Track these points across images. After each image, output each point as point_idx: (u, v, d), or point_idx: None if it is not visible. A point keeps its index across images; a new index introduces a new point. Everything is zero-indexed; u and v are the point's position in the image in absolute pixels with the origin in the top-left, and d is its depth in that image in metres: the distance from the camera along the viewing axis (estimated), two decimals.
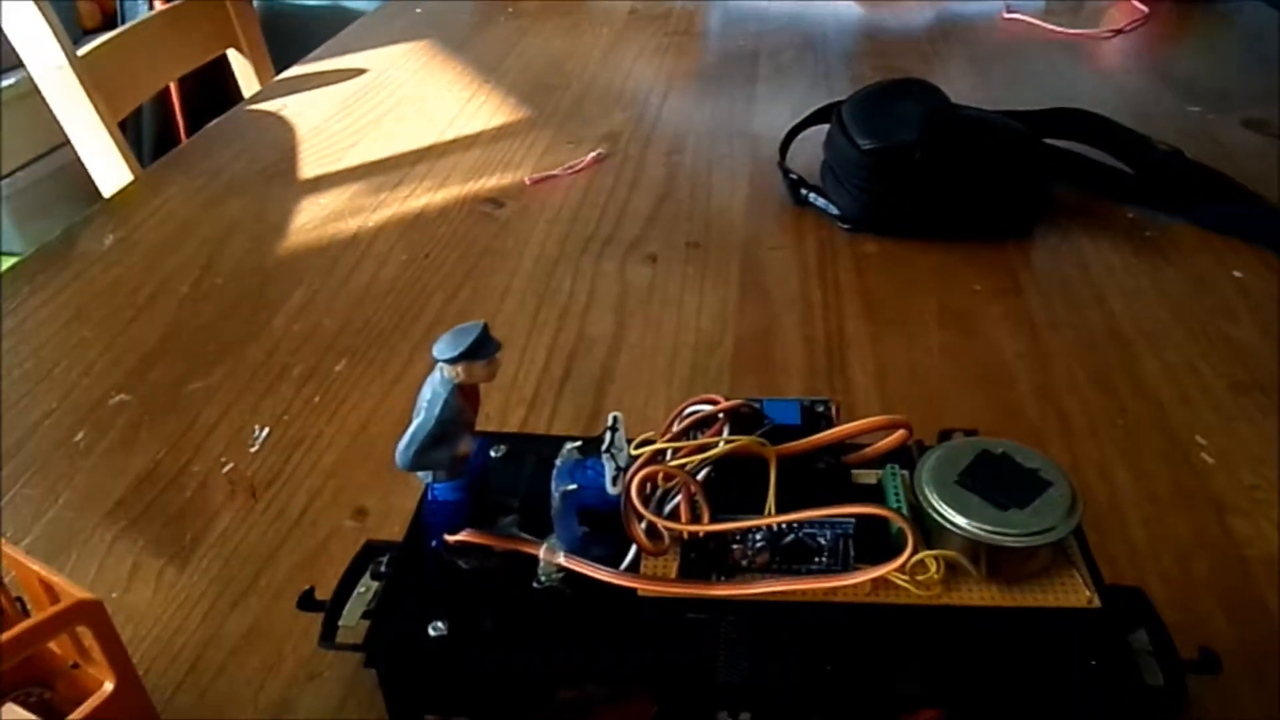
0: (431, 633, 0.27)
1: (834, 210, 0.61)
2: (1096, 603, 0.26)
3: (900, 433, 0.29)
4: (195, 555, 0.39)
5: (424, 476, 0.29)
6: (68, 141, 0.91)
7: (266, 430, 0.46)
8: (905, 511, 0.28)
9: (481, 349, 0.27)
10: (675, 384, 0.48)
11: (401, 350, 0.51)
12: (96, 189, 0.91)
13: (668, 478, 0.27)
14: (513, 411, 0.46)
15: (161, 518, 0.41)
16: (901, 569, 0.26)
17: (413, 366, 0.50)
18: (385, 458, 0.36)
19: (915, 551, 0.26)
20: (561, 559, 0.28)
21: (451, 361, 0.27)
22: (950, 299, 0.54)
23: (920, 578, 0.26)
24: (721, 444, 0.27)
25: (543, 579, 0.29)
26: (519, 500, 0.32)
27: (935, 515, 0.27)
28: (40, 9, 0.84)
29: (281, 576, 0.38)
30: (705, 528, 0.27)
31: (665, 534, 0.27)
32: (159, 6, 1.67)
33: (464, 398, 0.27)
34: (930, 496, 0.27)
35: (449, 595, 0.29)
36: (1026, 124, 0.63)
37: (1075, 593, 0.27)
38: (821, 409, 0.31)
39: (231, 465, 0.44)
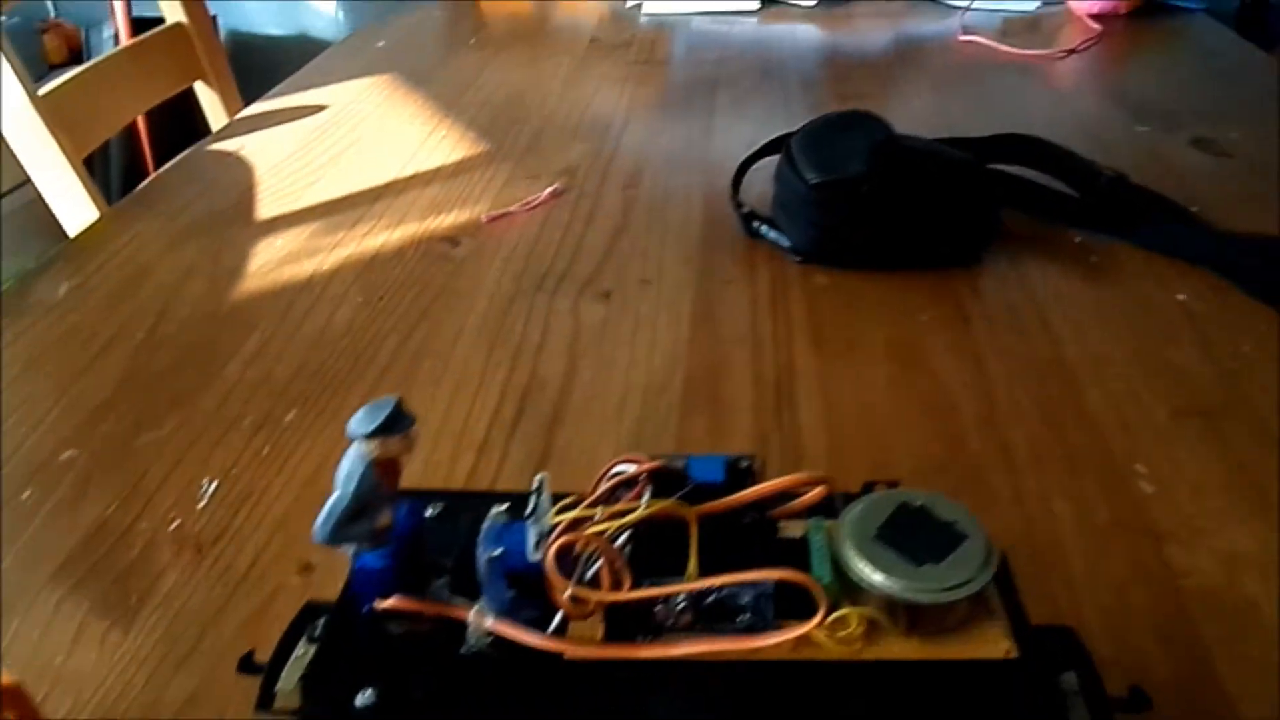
0: (359, 702, 0.27)
1: (786, 243, 0.62)
2: (1014, 653, 0.27)
3: (819, 489, 0.29)
4: (141, 616, 0.39)
5: (347, 549, 0.29)
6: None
7: (215, 483, 0.46)
8: (829, 566, 0.28)
9: (395, 425, 0.27)
10: (625, 426, 0.48)
11: (353, 397, 0.51)
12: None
13: (588, 543, 0.27)
14: (462, 457, 0.46)
15: (108, 577, 0.41)
16: (820, 626, 0.26)
17: None
18: None
19: (826, 615, 0.26)
20: (490, 623, 0.28)
21: (366, 438, 0.27)
22: (899, 330, 0.55)
23: (840, 634, 0.27)
24: (640, 509, 0.28)
25: (471, 643, 0.29)
26: (453, 560, 0.32)
27: (854, 572, 0.27)
28: (0, 49, 0.85)
29: (226, 636, 0.38)
30: (624, 596, 0.27)
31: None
32: (125, 41, 1.67)
33: (381, 472, 0.28)
34: (849, 554, 0.27)
35: (378, 662, 0.29)
36: (973, 151, 0.64)
37: (994, 643, 0.27)
38: (745, 464, 0.31)
39: (179, 521, 0.44)
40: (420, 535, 0.32)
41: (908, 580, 0.26)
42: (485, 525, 0.29)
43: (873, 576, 0.27)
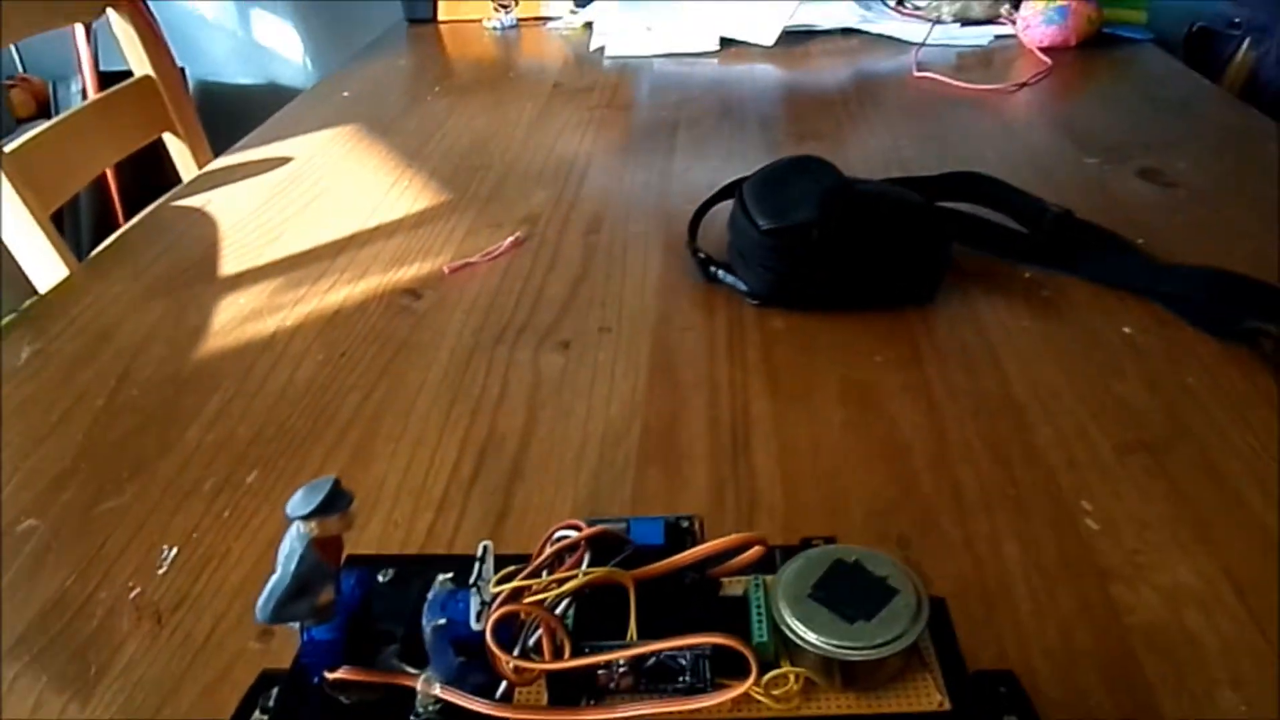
0: None
1: (742, 287, 0.63)
2: (946, 705, 0.27)
3: (755, 549, 0.30)
4: (99, 689, 0.39)
5: (293, 625, 0.29)
6: None
7: (175, 550, 0.46)
8: (767, 625, 0.29)
9: (333, 505, 0.28)
10: (582, 479, 0.49)
11: (314, 456, 0.52)
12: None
13: (528, 612, 0.28)
14: (421, 515, 0.47)
15: (67, 650, 0.41)
16: (758, 685, 0.27)
17: (323, 473, 0.50)
18: None
19: (761, 674, 0.27)
20: (437, 690, 0.29)
21: (305, 518, 0.28)
22: (853, 372, 0.56)
23: (777, 692, 0.27)
24: (579, 576, 0.28)
25: (420, 711, 0.29)
26: (403, 628, 0.32)
27: (789, 630, 0.28)
28: None
29: (185, 706, 0.38)
30: (563, 665, 0.27)
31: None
32: (92, 94, 1.68)
33: (322, 550, 0.28)
34: (784, 612, 0.28)
35: None
36: (923, 190, 0.65)
37: (926, 696, 0.28)
38: (685, 525, 0.32)
39: (139, 590, 0.44)
40: (369, 603, 0.33)
41: (840, 638, 0.27)
42: (431, 594, 0.30)
43: (807, 635, 0.27)
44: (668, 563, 0.29)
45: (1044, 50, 1.11)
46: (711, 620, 0.28)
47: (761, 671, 0.28)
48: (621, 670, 0.28)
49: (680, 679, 0.28)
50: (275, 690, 0.33)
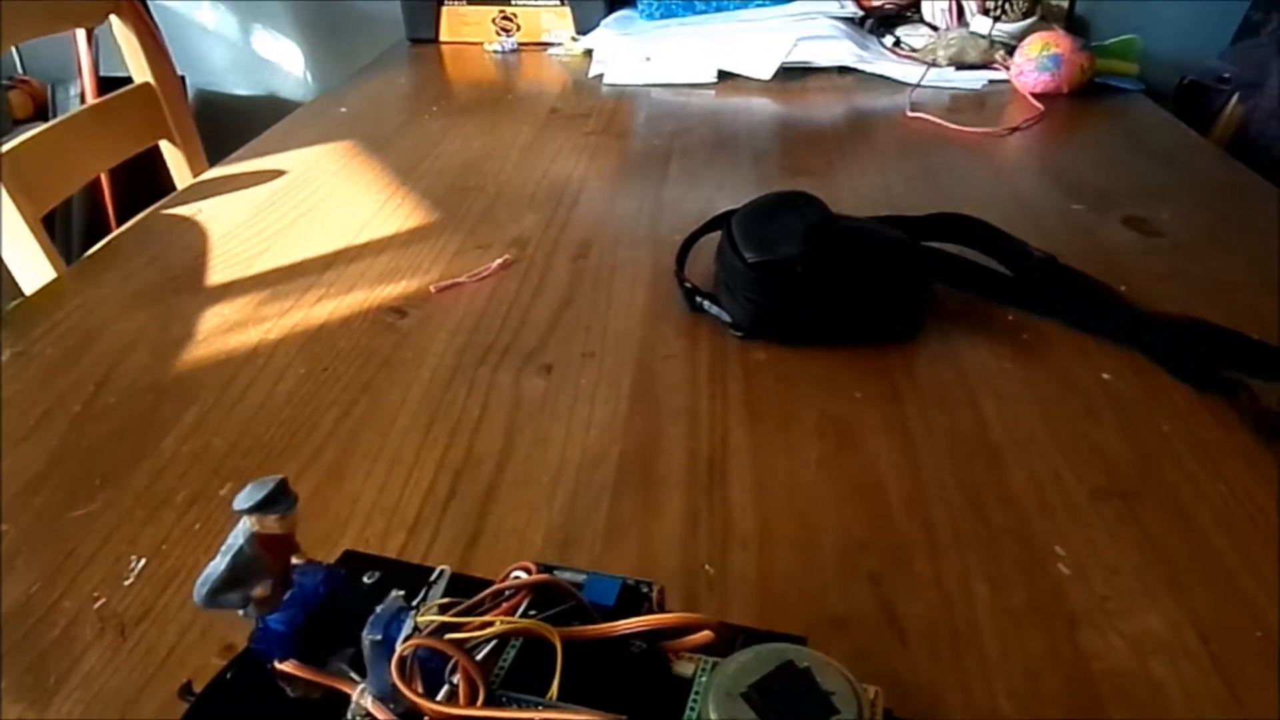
0: None
1: (727, 318, 0.63)
2: None
3: (705, 634, 0.29)
4: (57, 699, 0.39)
5: (243, 614, 0.30)
6: None
7: (143, 561, 0.46)
8: (698, 715, 0.27)
9: (273, 504, 0.28)
10: (557, 505, 0.49)
11: (289, 471, 0.51)
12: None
13: (446, 652, 0.27)
14: (393, 535, 0.47)
15: (27, 658, 0.41)
16: None
17: (298, 488, 0.50)
18: None
19: None
20: (369, 704, 0.29)
21: (246, 513, 0.28)
22: (832, 407, 0.56)
23: None
24: (501, 624, 0.28)
25: (351, 719, 0.29)
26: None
27: None
28: None
29: None
30: (460, 710, 0.27)
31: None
32: (91, 98, 1.69)
33: (263, 545, 0.29)
34: (710, 706, 0.27)
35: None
36: (909, 229, 0.66)
37: None
38: (645, 590, 0.31)
39: (104, 600, 0.43)
40: (333, 603, 0.33)
41: None
42: (380, 607, 0.30)
43: None
44: (604, 628, 0.29)
45: (1036, 96, 1.12)
46: (648, 696, 0.27)
47: None
48: None
49: None
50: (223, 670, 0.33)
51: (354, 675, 0.30)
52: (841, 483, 0.50)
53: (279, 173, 0.94)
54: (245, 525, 0.28)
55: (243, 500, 0.28)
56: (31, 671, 0.40)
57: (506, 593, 0.30)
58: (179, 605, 0.43)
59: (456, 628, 0.28)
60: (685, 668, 0.29)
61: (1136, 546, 0.46)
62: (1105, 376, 0.59)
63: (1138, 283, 0.69)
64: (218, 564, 0.29)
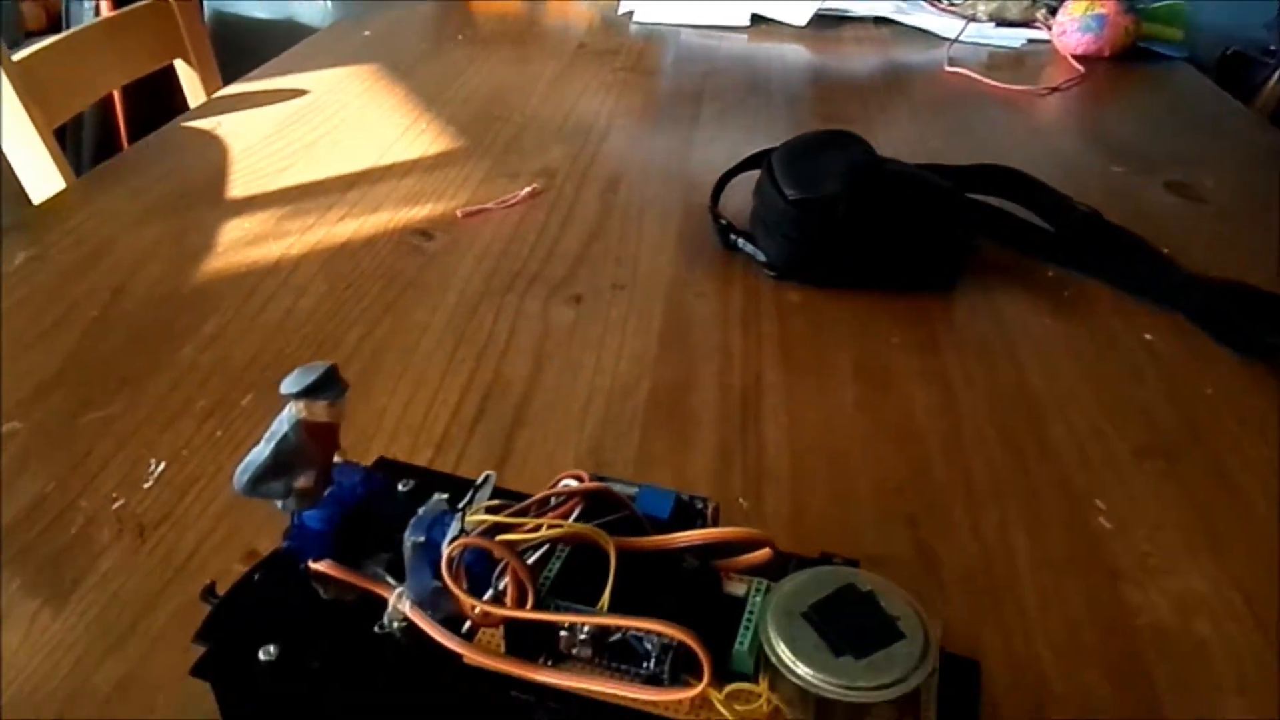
0: (262, 656, 0.28)
1: (761, 257, 0.62)
2: None
3: (763, 550, 0.28)
4: (74, 598, 0.38)
5: (282, 505, 0.29)
6: None
7: (163, 465, 0.44)
8: (751, 634, 0.26)
9: (322, 389, 0.27)
10: (587, 431, 0.47)
11: None
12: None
13: (496, 553, 0.26)
14: (420, 452, 0.45)
15: (41, 557, 0.40)
16: (718, 694, 0.25)
17: None
18: None
19: (720, 685, 0.25)
20: (406, 608, 0.28)
21: (294, 397, 0.27)
22: (868, 352, 0.55)
23: (740, 708, 0.25)
24: (557, 528, 0.27)
25: (386, 624, 0.28)
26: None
27: (768, 646, 0.26)
28: None
29: (161, 623, 0.37)
30: (513, 613, 0.26)
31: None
32: (105, 10, 1.65)
33: (309, 434, 0.27)
34: (769, 626, 0.26)
35: (293, 621, 0.29)
36: (952, 179, 0.64)
37: None
38: (700, 506, 0.30)
39: (122, 502, 0.42)
40: (370, 506, 0.32)
41: (816, 669, 0.24)
42: (421, 511, 0.28)
43: (783, 655, 0.25)
44: (661, 539, 0.28)
45: (1077, 58, 1.09)
46: (700, 613, 0.26)
47: (729, 682, 0.26)
48: (583, 638, 0.26)
49: (643, 664, 0.26)
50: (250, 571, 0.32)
51: (390, 579, 0.29)
52: (878, 427, 0.49)
53: (301, 92, 0.92)
54: (291, 411, 0.27)
55: (290, 384, 0.27)
56: (47, 569, 0.39)
57: (553, 501, 0.29)
58: (200, 510, 0.42)
59: (508, 529, 0.27)
60: (737, 587, 0.28)
61: (1178, 506, 0.45)
62: (1147, 337, 0.58)
63: (1180, 247, 0.67)
64: (261, 450, 0.27)
